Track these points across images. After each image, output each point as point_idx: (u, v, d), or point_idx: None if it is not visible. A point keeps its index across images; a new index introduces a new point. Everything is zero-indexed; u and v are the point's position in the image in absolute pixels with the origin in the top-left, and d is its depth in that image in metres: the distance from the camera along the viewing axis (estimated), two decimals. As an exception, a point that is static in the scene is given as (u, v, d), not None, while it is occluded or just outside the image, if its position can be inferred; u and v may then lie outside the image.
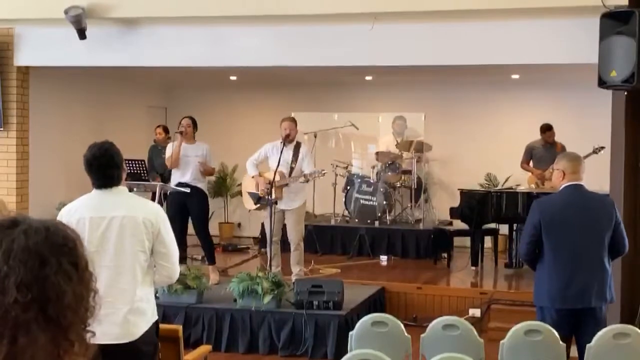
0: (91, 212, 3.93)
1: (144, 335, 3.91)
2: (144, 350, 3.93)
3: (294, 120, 8.18)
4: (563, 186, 4.98)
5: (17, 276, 1.35)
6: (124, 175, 4.07)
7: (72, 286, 1.40)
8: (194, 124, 8.40)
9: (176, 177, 8.25)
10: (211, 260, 8.40)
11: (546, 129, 9.92)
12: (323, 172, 8.08)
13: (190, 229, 8.46)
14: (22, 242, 1.38)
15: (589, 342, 4.64)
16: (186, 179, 8.18)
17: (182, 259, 8.22)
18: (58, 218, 3.99)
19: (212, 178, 11.23)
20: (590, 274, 4.88)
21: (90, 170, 3.96)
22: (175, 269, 4.03)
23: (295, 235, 8.09)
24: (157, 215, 3.98)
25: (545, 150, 9.95)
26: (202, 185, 8.39)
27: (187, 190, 8.11)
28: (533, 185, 10.01)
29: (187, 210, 8.23)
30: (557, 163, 5.14)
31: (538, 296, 5.02)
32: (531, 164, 10.15)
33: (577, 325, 4.87)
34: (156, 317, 4.05)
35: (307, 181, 8.02)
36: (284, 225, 8.17)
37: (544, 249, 4.93)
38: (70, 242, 1.43)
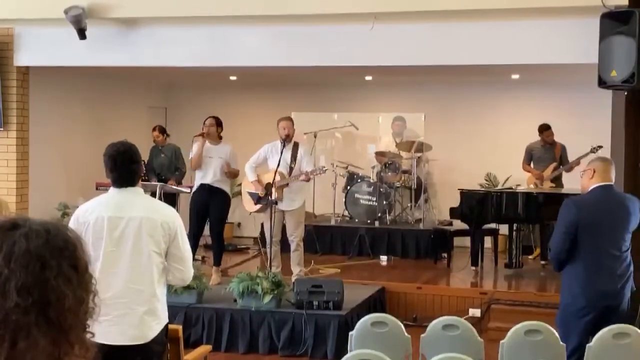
0: (109, 212, 3.93)
1: (156, 337, 3.92)
2: (156, 351, 3.95)
3: (291, 120, 8.18)
4: (594, 186, 4.95)
5: (17, 280, 1.35)
6: (141, 175, 4.09)
7: (73, 289, 1.40)
8: (218, 124, 8.28)
9: (198, 178, 8.16)
10: (217, 262, 8.36)
11: (544, 128, 9.90)
12: (324, 168, 8.06)
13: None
14: (23, 245, 1.38)
15: None
16: (208, 180, 8.06)
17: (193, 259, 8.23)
18: (73, 217, 4.01)
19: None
20: (624, 272, 4.92)
21: (114, 167, 3.95)
22: (189, 272, 4.04)
23: (295, 236, 8.08)
24: (174, 218, 4.00)
25: (544, 150, 9.95)
26: (226, 186, 8.24)
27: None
28: (532, 186, 9.97)
29: (208, 210, 8.15)
30: (589, 163, 5.16)
31: (572, 295, 4.94)
32: (532, 165, 10.15)
33: (602, 324, 4.81)
34: (167, 319, 4.07)
35: (309, 180, 7.99)
36: (284, 226, 8.17)
37: (579, 248, 4.87)
38: (71, 245, 1.43)
